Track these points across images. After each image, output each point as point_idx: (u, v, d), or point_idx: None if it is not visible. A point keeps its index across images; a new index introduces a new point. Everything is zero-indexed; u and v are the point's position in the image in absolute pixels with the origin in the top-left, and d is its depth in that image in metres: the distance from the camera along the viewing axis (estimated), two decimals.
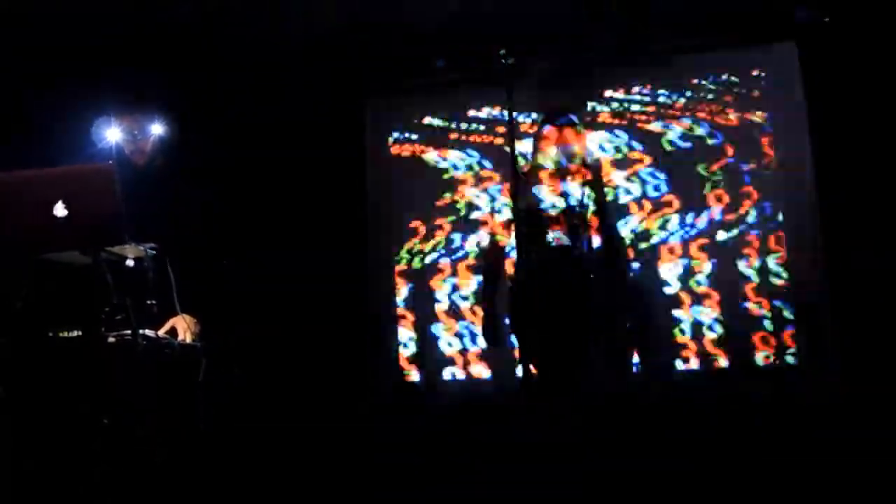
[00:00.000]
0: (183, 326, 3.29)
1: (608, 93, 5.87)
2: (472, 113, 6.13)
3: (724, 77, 5.71)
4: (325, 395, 5.73)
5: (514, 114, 3.47)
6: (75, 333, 3.00)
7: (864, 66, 5.23)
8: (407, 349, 6.09)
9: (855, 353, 5.05)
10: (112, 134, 3.56)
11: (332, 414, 5.62)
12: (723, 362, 5.48)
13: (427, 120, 6.22)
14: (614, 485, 3.52)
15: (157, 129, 3.63)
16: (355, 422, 5.65)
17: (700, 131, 5.71)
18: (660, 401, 4.59)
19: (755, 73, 5.68)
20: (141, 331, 2.98)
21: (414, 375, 6.06)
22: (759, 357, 5.43)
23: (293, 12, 5.42)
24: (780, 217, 5.53)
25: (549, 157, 3.98)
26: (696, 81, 5.76)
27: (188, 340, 3.26)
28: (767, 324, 5.45)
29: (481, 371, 5.90)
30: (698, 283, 5.56)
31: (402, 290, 6.14)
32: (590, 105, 5.84)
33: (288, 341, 5.80)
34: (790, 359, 5.40)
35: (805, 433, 4.27)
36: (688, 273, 5.59)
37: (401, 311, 6.13)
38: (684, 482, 3.82)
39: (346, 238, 6.10)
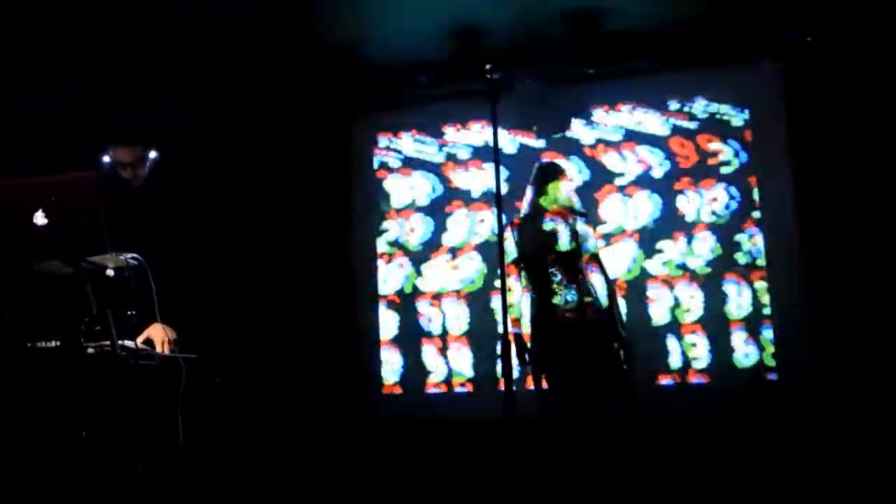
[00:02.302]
0: (160, 336, 3.26)
1: (594, 112, 5.93)
2: (457, 128, 6.17)
3: (709, 98, 5.78)
4: (310, 407, 5.71)
5: (499, 130, 3.45)
6: (54, 344, 2.97)
7: (847, 85, 5.29)
8: (391, 367, 6.09)
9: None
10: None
11: (317, 425, 5.61)
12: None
13: (412, 135, 6.26)
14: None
15: (153, 154, 3.65)
16: (340, 434, 5.64)
17: (685, 153, 5.76)
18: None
19: (740, 94, 5.74)
20: (121, 341, 2.96)
21: (397, 390, 6.05)
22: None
23: (285, 26, 5.45)
24: (762, 239, 5.58)
25: (554, 199, 4.17)
26: (680, 103, 5.82)
27: (165, 351, 3.23)
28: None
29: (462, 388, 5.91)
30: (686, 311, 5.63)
31: (389, 312, 6.15)
32: (573, 124, 5.89)
33: (273, 356, 5.78)
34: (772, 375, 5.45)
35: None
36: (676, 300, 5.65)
37: (385, 330, 6.14)
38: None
39: (331, 253, 6.12)
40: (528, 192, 4.25)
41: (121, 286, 3.14)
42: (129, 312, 3.10)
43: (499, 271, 3.28)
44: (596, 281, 4.07)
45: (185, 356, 3.20)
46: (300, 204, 6.10)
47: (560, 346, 4.00)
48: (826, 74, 5.38)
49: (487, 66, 3.41)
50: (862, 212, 5.20)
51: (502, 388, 3.23)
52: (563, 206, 4.18)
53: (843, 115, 5.34)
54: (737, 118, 5.72)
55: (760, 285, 5.53)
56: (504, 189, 3.58)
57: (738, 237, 5.61)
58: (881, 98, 5.22)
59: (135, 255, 3.14)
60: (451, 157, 6.16)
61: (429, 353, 6.01)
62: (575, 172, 5.82)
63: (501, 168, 3.40)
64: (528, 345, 4.07)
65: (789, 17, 5.39)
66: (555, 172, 4.26)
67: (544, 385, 4.06)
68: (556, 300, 4.03)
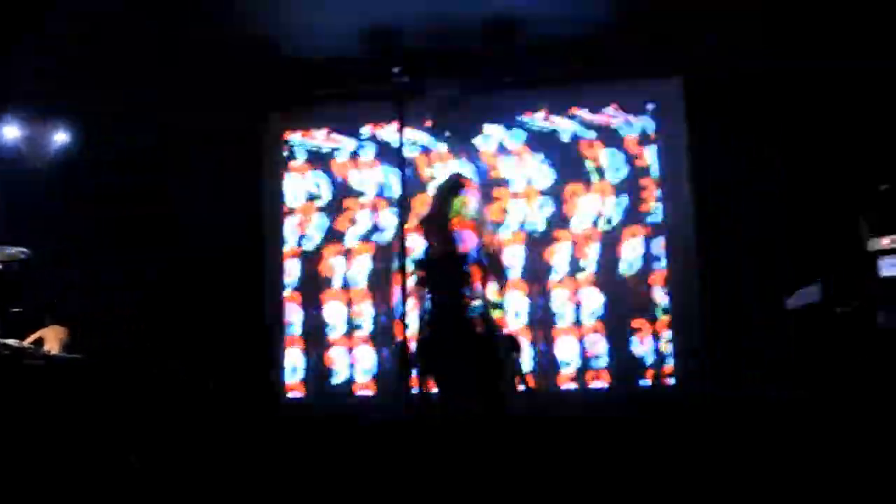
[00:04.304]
0: (52, 336, 3.16)
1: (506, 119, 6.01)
2: (368, 128, 6.15)
3: (617, 107, 5.90)
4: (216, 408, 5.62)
5: (406, 132, 3.47)
6: None
7: (747, 97, 5.52)
8: (295, 369, 6.03)
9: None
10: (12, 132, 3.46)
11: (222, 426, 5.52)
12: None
13: (324, 134, 6.22)
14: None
15: (59, 133, 3.55)
16: (244, 436, 5.56)
17: (591, 161, 5.88)
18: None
19: (644, 106, 5.87)
20: (3, 340, 2.86)
21: (300, 392, 6.00)
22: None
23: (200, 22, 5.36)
24: (663, 246, 5.75)
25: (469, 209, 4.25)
26: (590, 111, 5.93)
27: (56, 351, 3.13)
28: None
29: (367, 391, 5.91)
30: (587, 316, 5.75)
31: (295, 309, 6.09)
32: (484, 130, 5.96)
33: (178, 353, 5.68)
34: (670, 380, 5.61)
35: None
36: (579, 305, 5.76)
37: (289, 329, 6.08)
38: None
39: (240, 251, 6.03)
40: (437, 199, 4.27)
41: (9, 281, 3.05)
42: (14, 309, 3.01)
43: (395, 272, 3.28)
44: (497, 294, 4.16)
45: (74, 357, 3.11)
46: (209, 200, 5.99)
47: (451, 353, 4.05)
48: (728, 86, 5.59)
49: (395, 70, 3.43)
50: (756, 220, 5.46)
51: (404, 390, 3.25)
52: (472, 219, 4.23)
53: (742, 128, 5.58)
54: (642, 128, 5.86)
55: (661, 290, 5.68)
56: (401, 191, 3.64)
57: (639, 244, 5.74)
58: (780, 110, 5.46)
59: (25, 249, 3.05)
60: (356, 156, 6.14)
61: (331, 352, 5.97)
62: (476, 178, 5.89)
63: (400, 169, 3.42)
64: (418, 347, 4.09)
65: (693, 32, 5.56)
66: (464, 185, 4.34)
67: (432, 388, 4.10)
68: (457, 308, 4.07)
